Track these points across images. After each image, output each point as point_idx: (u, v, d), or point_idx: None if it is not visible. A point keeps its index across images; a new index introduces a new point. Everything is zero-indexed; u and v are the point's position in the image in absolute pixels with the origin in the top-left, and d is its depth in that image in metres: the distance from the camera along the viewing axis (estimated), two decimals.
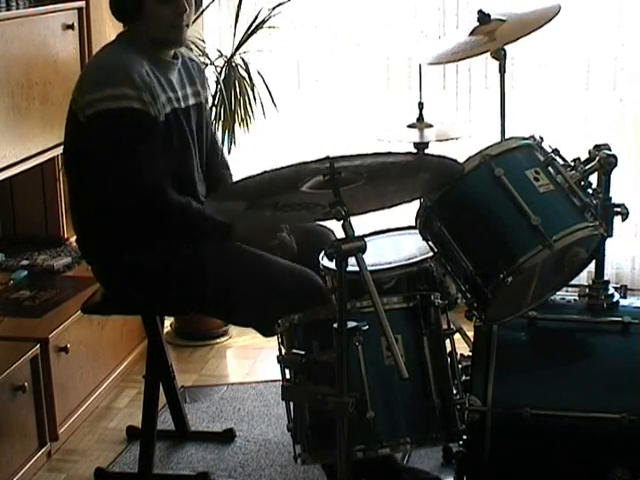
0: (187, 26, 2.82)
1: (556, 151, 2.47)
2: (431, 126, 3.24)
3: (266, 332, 2.73)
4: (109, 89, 2.69)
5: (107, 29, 3.76)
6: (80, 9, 3.61)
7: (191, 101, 2.93)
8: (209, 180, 2.97)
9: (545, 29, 3.01)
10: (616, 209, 2.50)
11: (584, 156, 2.51)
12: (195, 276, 2.75)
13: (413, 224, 2.52)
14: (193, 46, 3.94)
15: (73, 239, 3.83)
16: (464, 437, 2.42)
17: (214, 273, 2.74)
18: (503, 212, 2.35)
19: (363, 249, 2.02)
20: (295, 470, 3.04)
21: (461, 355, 2.66)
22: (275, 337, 2.46)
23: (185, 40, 2.88)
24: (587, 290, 2.59)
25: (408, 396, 2.32)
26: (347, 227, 2.03)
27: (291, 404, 2.41)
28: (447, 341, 2.43)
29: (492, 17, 3.12)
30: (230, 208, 2.18)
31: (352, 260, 2.02)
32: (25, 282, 3.60)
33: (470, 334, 2.59)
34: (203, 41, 4.16)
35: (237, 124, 4.01)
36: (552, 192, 2.37)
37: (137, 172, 2.70)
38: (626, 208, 2.51)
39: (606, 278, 2.60)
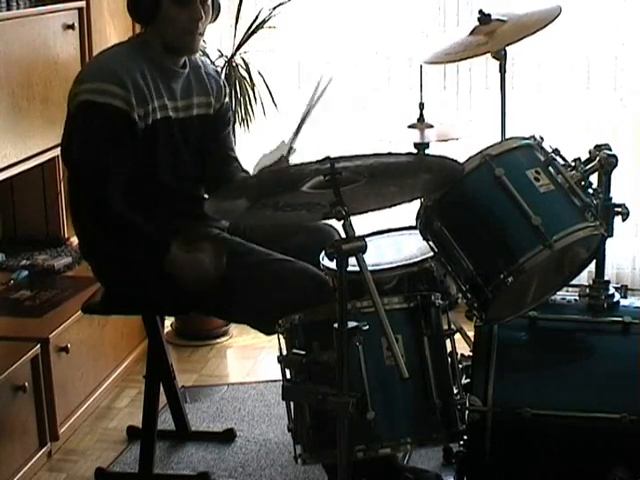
0: (201, 35, 2.82)
1: (556, 151, 2.47)
2: (432, 126, 3.24)
3: (266, 330, 2.72)
4: (97, 82, 2.71)
5: (108, 29, 3.77)
6: (80, 9, 3.61)
7: (195, 111, 2.93)
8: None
9: (545, 29, 3.01)
10: (616, 209, 2.50)
11: (584, 156, 2.51)
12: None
13: (414, 224, 2.52)
14: None
15: (73, 239, 3.84)
16: (464, 437, 2.43)
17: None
18: (503, 212, 2.35)
19: (364, 249, 2.02)
20: (295, 470, 3.04)
21: (461, 355, 2.66)
22: (275, 336, 2.46)
23: (198, 48, 2.88)
24: (587, 290, 2.59)
25: (409, 396, 2.32)
26: (348, 227, 2.03)
27: (291, 404, 2.41)
28: (447, 341, 2.43)
29: (492, 17, 3.13)
30: (231, 208, 2.19)
31: (353, 260, 2.02)
32: (25, 282, 3.60)
33: (470, 334, 2.59)
34: (204, 41, 4.15)
35: (238, 124, 4.01)
36: (552, 192, 2.37)
37: (95, 171, 2.71)
38: (626, 208, 2.51)
39: (606, 278, 2.60)
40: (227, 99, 3.08)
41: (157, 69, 2.81)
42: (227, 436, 3.29)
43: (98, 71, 2.76)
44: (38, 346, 3.10)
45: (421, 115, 3.25)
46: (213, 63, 4.02)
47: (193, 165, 2.94)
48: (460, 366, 2.50)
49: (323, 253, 2.77)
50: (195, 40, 2.82)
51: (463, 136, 3.30)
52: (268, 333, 2.71)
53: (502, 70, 3.14)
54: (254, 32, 4.04)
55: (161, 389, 3.07)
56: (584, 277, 2.83)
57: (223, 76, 4.00)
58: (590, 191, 2.45)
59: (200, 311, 2.98)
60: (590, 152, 2.52)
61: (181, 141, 2.88)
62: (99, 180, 2.71)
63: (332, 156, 1.98)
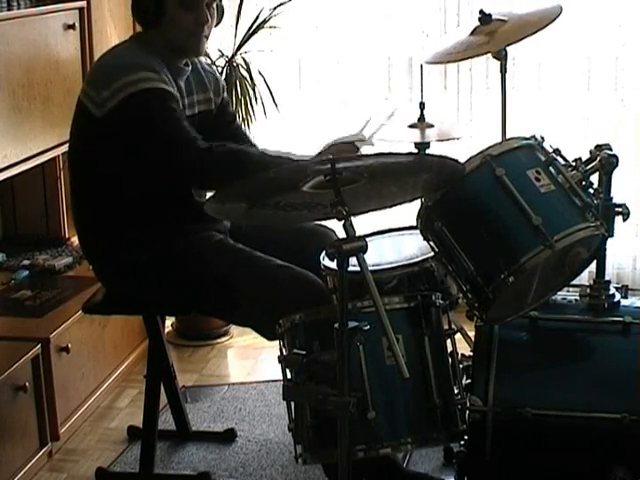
0: (206, 37, 2.81)
1: (557, 151, 2.47)
2: (432, 126, 3.24)
3: (268, 335, 2.71)
4: (127, 76, 2.66)
5: (108, 29, 3.77)
6: (81, 9, 3.61)
7: (197, 109, 2.92)
8: None
9: (546, 29, 3.01)
10: (617, 209, 2.50)
11: (585, 156, 2.51)
12: (196, 276, 2.75)
13: (414, 224, 2.52)
14: None
15: (74, 239, 3.84)
16: (465, 437, 2.42)
17: (215, 273, 2.74)
18: (504, 212, 2.35)
19: (364, 249, 2.02)
20: (296, 470, 3.04)
21: (462, 355, 2.66)
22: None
23: (203, 50, 2.86)
24: (588, 290, 2.59)
25: (409, 396, 2.32)
26: (348, 227, 2.03)
27: (292, 404, 2.41)
28: (448, 341, 2.43)
29: (493, 17, 3.13)
30: (232, 208, 2.19)
31: (353, 260, 2.02)
32: (26, 282, 3.60)
33: (471, 334, 2.59)
34: None
35: None
36: (553, 192, 2.37)
37: (188, 135, 2.69)
38: (627, 208, 2.51)
39: (607, 278, 2.60)
40: (226, 94, 3.07)
41: (166, 66, 2.79)
42: (228, 436, 3.29)
43: (120, 68, 2.70)
44: (39, 346, 3.10)
45: (422, 115, 3.25)
46: (210, 59, 4.03)
47: None
48: (461, 366, 2.50)
49: (324, 253, 2.77)
50: (201, 42, 2.80)
51: (464, 136, 3.30)
52: (270, 338, 2.71)
53: (503, 70, 3.14)
54: (255, 32, 4.04)
55: (162, 389, 3.07)
56: (585, 277, 2.83)
57: (224, 76, 4.00)
58: (591, 191, 2.45)
59: (200, 312, 2.99)
60: (591, 152, 2.52)
61: None
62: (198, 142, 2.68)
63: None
